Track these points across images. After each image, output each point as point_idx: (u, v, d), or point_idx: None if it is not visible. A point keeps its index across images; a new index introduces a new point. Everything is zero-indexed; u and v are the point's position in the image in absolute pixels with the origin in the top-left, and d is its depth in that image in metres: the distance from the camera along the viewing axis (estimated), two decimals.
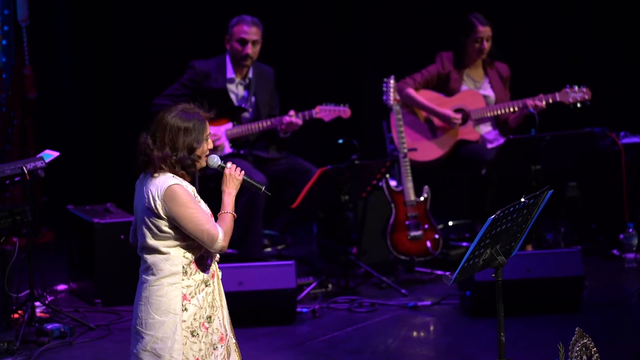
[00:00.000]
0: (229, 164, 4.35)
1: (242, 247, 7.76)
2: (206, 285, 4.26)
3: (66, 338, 6.61)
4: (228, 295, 4.45)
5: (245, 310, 6.72)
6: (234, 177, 4.32)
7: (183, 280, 4.21)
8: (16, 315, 6.72)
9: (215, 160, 4.37)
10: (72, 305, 7.37)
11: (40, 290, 7.08)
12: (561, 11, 10.05)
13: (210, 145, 4.33)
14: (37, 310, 6.82)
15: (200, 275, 4.24)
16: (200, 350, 4.22)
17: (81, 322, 6.87)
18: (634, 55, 9.93)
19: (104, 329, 6.85)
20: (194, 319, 4.21)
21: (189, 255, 4.22)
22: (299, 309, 7.06)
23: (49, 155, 6.90)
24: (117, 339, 6.67)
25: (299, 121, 7.87)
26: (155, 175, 4.23)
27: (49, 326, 6.62)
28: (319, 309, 7.17)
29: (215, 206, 4.37)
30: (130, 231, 4.46)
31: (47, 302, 7.00)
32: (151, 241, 4.21)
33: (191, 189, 4.26)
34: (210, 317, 4.26)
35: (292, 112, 7.87)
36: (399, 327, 6.88)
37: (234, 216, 4.27)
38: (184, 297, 4.21)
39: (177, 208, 4.16)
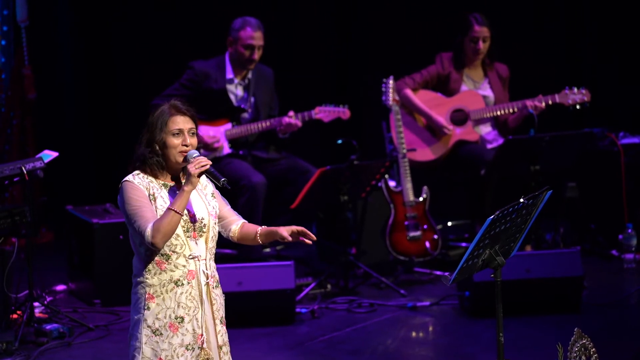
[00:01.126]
0: (194, 162, 4.17)
1: (241, 248, 7.76)
2: (177, 285, 4.19)
3: (65, 338, 6.61)
4: (227, 295, 4.42)
5: (244, 311, 6.72)
6: (188, 172, 4.15)
7: (147, 279, 4.17)
8: (15, 316, 6.72)
9: (189, 154, 4.21)
10: (71, 306, 7.37)
11: (40, 290, 7.08)
12: (561, 11, 10.05)
13: (187, 141, 4.20)
14: (36, 310, 6.82)
15: (167, 275, 4.18)
16: (164, 350, 4.17)
17: (80, 323, 6.87)
18: (633, 55, 9.93)
19: (102, 330, 6.84)
20: (157, 318, 4.16)
21: (150, 253, 4.16)
22: (298, 310, 7.06)
23: (48, 155, 6.90)
24: (116, 339, 6.67)
25: (299, 123, 7.87)
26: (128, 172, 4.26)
27: (48, 326, 6.62)
28: (318, 309, 7.17)
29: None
30: None
31: (46, 302, 7.00)
32: (129, 238, 4.24)
33: (145, 186, 4.18)
34: (182, 318, 4.19)
35: (291, 113, 7.87)
36: (398, 328, 6.88)
37: (176, 212, 4.10)
38: (149, 296, 4.18)
39: (122, 204, 4.17)
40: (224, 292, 4.37)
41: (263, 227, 4.50)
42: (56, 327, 6.64)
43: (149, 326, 4.17)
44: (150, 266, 4.17)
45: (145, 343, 4.16)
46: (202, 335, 4.23)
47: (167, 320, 4.18)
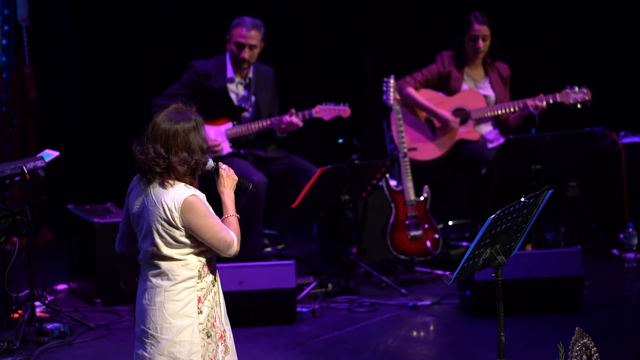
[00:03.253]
0: (223, 165, 4.29)
1: (242, 247, 7.75)
2: (213, 285, 4.29)
3: (66, 338, 6.61)
4: (228, 294, 4.47)
5: (245, 310, 6.72)
6: (230, 178, 4.29)
7: (198, 283, 4.23)
8: (16, 315, 6.72)
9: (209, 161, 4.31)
10: (72, 305, 7.37)
11: (40, 290, 7.08)
12: (561, 11, 10.05)
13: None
14: (37, 309, 6.83)
15: (211, 277, 4.27)
16: (213, 350, 4.24)
17: (81, 322, 6.87)
18: (634, 55, 9.93)
19: (104, 329, 6.85)
20: (208, 320, 4.24)
21: (202, 259, 4.24)
22: (299, 309, 7.06)
23: (49, 154, 6.90)
24: (117, 339, 6.67)
25: (300, 122, 7.86)
26: (167, 184, 4.19)
27: (49, 326, 6.62)
28: (318, 308, 7.17)
29: (215, 205, 4.37)
30: (118, 238, 4.46)
31: (47, 301, 7.00)
32: (166, 250, 4.19)
33: (203, 196, 4.25)
34: (215, 316, 4.28)
35: (293, 111, 7.87)
36: (399, 327, 6.88)
37: (238, 217, 4.29)
38: (199, 300, 4.22)
39: (196, 219, 4.16)
40: (225, 292, 4.41)
41: None
42: (57, 326, 6.64)
43: (203, 329, 4.23)
44: (201, 271, 4.23)
45: (203, 346, 4.21)
46: (225, 330, 4.31)
47: (211, 320, 4.25)
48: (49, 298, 7.26)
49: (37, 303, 6.82)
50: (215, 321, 4.27)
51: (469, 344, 6.46)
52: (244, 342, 6.43)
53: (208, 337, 4.22)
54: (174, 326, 4.19)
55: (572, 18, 10.05)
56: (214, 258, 4.31)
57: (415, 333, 6.89)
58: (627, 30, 9.91)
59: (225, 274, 4.55)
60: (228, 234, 4.22)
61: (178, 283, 4.20)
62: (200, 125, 4.23)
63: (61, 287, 7.85)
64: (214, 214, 4.23)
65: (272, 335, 6.68)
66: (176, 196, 4.17)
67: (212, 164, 4.32)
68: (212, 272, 4.29)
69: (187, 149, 4.19)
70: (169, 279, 4.20)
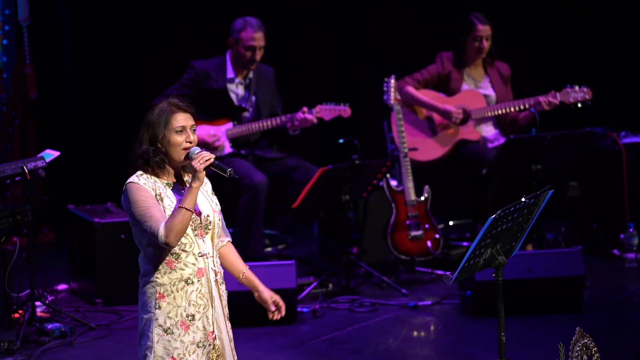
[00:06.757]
0: (195, 155, 4.18)
1: (242, 247, 7.76)
2: (187, 284, 4.20)
3: (67, 338, 6.61)
4: (228, 294, 4.43)
5: (246, 310, 6.71)
6: (193, 169, 4.15)
7: (157, 278, 4.18)
8: (17, 315, 6.73)
9: (191, 151, 4.20)
10: (72, 305, 7.37)
11: (41, 290, 7.08)
12: (561, 11, 10.05)
13: (190, 138, 4.20)
14: (38, 310, 6.83)
15: (178, 274, 4.19)
16: (176, 348, 4.19)
17: (82, 322, 6.87)
18: (634, 55, 9.93)
19: (104, 329, 6.85)
20: (168, 317, 4.17)
21: (159, 252, 4.17)
22: (299, 309, 7.06)
23: (50, 154, 6.91)
24: (117, 339, 6.68)
25: (314, 119, 7.86)
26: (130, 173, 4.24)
27: (50, 326, 6.62)
28: (319, 308, 7.17)
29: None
30: None
31: (47, 301, 7.00)
32: (135, 239, 4.23)
33: (151, 187, 4.17)
34: (193, 315, 4.21)
35: (305, 109, 7.87)
36: (400, 327, 6.88)
37: (188, 210, 4.10)
38: (159, 295, 4.18)
39: (127, 205, 4.16)
40: (227, 291, 4.39)
41: (249, 272, 4.52)
42: (58, 326, 6.64)
43: (160, 325, 4.18)
44: (160, 265, 4.18)
45: (157, 342, 4.18)
46: (213, 332, 4.25)
47: (178, 318, 4.19)
48: (50, 298, 7.26)
49: (37, 303, 6.82)
50: (196, 321, 4.19)
51: (469, 344, 6.46)
52: (245, 342, 6.44)
53: (167, 333, 4.17)
54: (140, 318, 4.23)
55: (572, 18, 10.05)
56: (186, 255, 4.18)
57: (416, 333, 6.89)
58: (627, 30, 9.91)
59: (226, 273, 4.51)
60: (154, 224, 4.07)
61: (142, 276, 4.22)
62: (160, 120, 4.19)
63: (62, 287, 7.86)
64: (151, 202, 4.12)
65: (272, 335, 6.68)
66: (125, 183, 4.20)
67: (192, 154, 4.18)
68: (182, 269, 4.17)
69: (139, 141, 4.23)
70: (139, 272, 4.24)
